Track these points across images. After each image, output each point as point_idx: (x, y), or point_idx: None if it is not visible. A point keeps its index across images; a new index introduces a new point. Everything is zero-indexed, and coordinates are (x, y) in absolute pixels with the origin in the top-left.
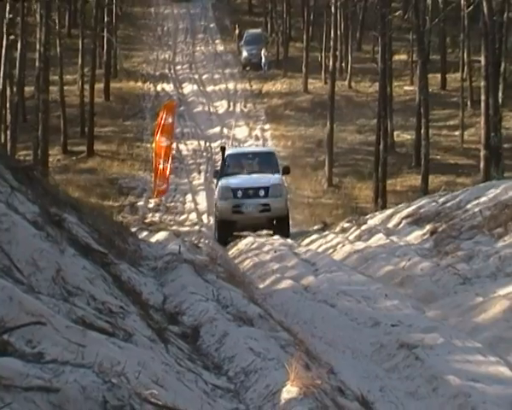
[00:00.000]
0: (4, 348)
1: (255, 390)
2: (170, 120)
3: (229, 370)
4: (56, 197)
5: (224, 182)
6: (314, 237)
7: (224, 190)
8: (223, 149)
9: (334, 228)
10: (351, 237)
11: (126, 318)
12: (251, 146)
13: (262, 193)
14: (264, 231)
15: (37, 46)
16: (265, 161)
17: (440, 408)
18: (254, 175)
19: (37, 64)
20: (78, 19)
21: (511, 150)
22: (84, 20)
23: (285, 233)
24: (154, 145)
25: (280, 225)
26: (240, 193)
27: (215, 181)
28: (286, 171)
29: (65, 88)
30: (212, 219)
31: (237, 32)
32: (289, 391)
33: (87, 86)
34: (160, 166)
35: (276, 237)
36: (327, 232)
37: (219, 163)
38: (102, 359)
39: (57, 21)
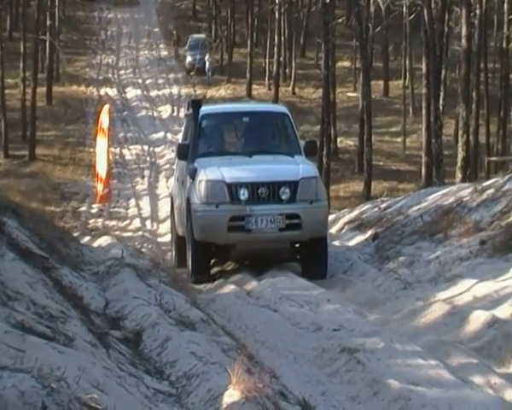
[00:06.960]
0: None
1: (197, 395)
2: (107, 124)
3: (171, 374)
4: None
5: (207, 170)
6: None
7: (211, 187)
8: (195, 103)
9: None
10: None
11: (67, 322)
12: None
13: (286, 194)
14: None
15: None
16: (276, 131)
17: None
18: (261, 158)
19: None
20: (19, 22)
21: (451, 157)
22: (25, 23)
23: (322, 270)
24: (95, 150)
25: (313, 255)
26: (244, 193)
27: (178, 166)
28: (312, 149)
29: (6, 92)
30: (157, 226)
31: (175, 37)
32: (231, 395)
33: (29, 90)
34: (101, 171)
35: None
36: None
37: (185, 129)
38: (42, 363)
39: None
